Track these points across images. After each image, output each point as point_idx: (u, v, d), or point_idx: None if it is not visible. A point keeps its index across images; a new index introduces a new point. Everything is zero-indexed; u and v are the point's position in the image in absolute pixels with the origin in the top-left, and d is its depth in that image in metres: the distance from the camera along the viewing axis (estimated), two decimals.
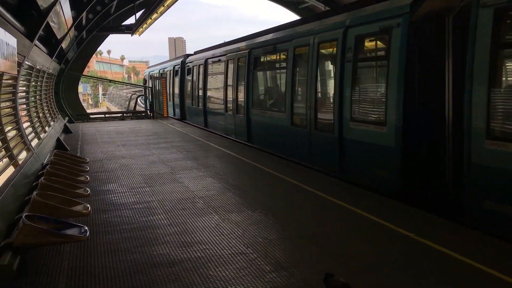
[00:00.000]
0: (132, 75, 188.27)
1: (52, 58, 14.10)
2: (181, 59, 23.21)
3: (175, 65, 23.78)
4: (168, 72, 25.32)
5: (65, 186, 5.91)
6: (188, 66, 21.42)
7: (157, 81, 25.91)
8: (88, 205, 5.33)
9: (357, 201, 7.08)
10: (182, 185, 8.57)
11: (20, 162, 7.12)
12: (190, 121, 21.57)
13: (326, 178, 9.00)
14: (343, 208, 6.83)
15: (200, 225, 6.19)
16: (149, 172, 9.87)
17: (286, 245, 5.40)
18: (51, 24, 11.40)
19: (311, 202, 7.30)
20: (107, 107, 58.90)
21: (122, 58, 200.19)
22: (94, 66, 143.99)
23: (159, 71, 27.67)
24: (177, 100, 23.52)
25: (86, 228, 4.52)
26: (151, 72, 31.17)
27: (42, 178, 5.99)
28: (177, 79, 23.24)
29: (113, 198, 7.70)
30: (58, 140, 13.49)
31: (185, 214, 6.70)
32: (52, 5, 8.81)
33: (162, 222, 6.35)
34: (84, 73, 33.14)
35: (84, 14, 15.85)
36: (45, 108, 15.10)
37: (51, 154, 9.35)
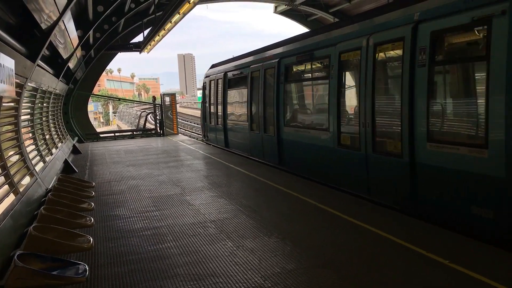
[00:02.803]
0: (142, 92, 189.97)
1: (58, 78, 13.84)
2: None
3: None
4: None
5: (67, 216, 5.50)
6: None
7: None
8: (90, 238, 4.90)
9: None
10: (193, 207, 8.12)
11: (21, 189, 6.73)
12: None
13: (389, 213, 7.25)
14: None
15: (213, 253, 5.72)
16: (158, 194, 9.44)
17: (308, 276, 4.90)
18: (56, 44, 11.12)
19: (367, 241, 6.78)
20: (118, 125, 58.93)
21: (132, 76, 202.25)
22: (105, 84, 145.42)
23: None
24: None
25: (86, 267, 4.08)
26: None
27: (42, 208, 5.58)
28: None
29: (120, 224, 7.27)
30: (65, 161, 13.16)
31: (197, 241, 6.23)
32: (54, 24, 8.50)
33: (172, 251, 5.89)
34: (94, 92, 33.15)
35: (91, 33, 15.64)
36: (52, 129, 14.81)
37: (57, 178, 8.98)
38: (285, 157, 12.04)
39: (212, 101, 18.39)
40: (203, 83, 19.74)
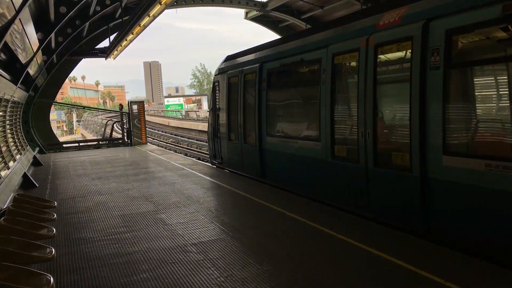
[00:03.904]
0: (107, 100, 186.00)
1: (16, 85, 12.71)
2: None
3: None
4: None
5: (21, 247, 4.58)
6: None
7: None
8: (50, 277, 4.01)
9: None
10: (170, 228, 7.27)
11: None
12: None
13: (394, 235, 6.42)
14: None
15: (198, 286, 4.91)
16: (129, 211, 8.54)
17: None
18: (13, 47, 10.10)
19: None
20: (82, 134, 56.92)
21: (97, 84, 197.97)
22: (68, 92, 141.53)
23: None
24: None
25: None
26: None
27: None
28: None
29: (86, 250, 6.35)
30: (24, 175, 12.03)
31: (177, 270, 5.40)
32: (9, 23, 7.55)
33: (149, 284, 5.04)
34: (57, 100, 31.50)
35: (52, 36, 14.55)
36: (10, 140, 13.63)
37: (13, 197, 7.96)
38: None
39: (232, 107, 12.93)
40: (214, 83, 14.52)
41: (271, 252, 5.88)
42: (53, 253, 4.69)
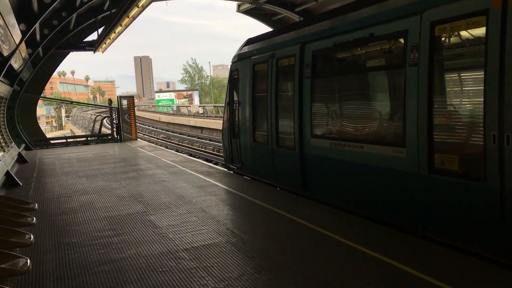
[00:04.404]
0: (97, 95, 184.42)
1: None
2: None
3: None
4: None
5: None
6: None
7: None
8: None
9: None
10: (160, 231, 6.78)
11: None
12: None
13: None
14: None
15: None
16: (116, 213, 8.04)
17: None
18: None
19: None
20: (71, 130, 56.07)
21: (87, 79, 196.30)
22: (57, 87, 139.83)
23: None
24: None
25: None
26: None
27: None
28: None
29: (69, 257, 5.84)
30: (7, 174, 11.46)
31: (169, 279, 4.92)
32: None
33: None
34: (46, 95, 30.83)
35: (37, 27, 13.95)
36: None
37: None
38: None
39: (258, 101, 10.48)
40: (231, 72, 12.01)
41: (269, 256, 5.42)
42: (28, 265, 4.18)
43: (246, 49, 11.40)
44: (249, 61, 10.81)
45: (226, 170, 12.13)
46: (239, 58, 11.59)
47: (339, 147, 7.64)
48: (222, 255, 5.59)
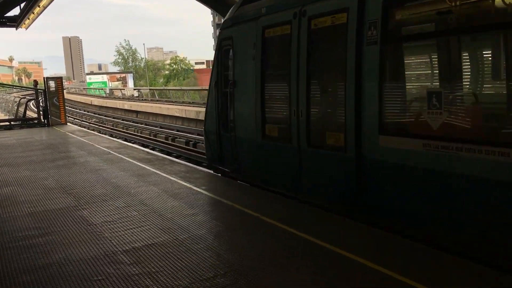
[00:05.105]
0: (23, 77, 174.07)
1: None
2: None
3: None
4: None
5: None
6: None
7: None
8: None
9: None
10: (94, 229, 5.94)
11: None
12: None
13: None
14: None
15: None
16: (43, 208, 7.07)
17: None
18: None
19: None
20: None
21: (11, 59, 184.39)
22: None
23: None
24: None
25: None
26: None
27: None
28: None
29: None
30: None
31: None
32: None
33: None
34: None
35: None
36: None
37: None
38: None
39: (271, 81, 7.72)
40: (220, 42, 9.01)
41: (226, 257, 4.79)
42: None
43: (247, 8, 8.27)
44: (255, 24, 7.73)
45: (211, 171, 9.62)
46: (235, 22, 8.51)
47: (446, 151, 4.64)
48: (169, 257, 4.88)
